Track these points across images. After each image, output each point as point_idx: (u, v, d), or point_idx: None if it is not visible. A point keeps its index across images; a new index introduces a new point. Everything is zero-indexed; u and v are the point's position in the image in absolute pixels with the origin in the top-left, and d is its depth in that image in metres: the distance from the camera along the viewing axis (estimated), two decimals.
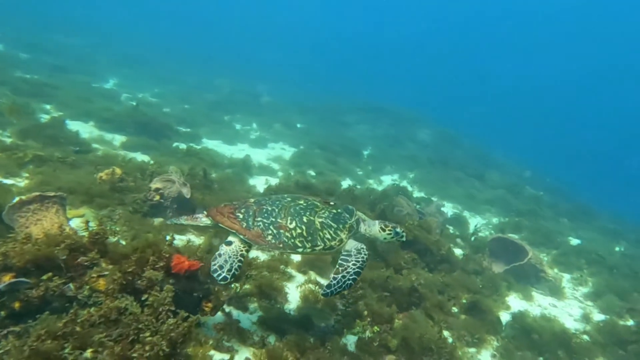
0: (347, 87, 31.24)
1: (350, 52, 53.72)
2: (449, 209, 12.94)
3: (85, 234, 3.22)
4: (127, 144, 9.48)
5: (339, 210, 3.87)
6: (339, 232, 3.72)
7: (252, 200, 3.88)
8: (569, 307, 7.65)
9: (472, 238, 9.66)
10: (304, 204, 3.78)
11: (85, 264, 2.96)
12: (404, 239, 4.13)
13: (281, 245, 3.56)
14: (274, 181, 9.64)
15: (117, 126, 10.32)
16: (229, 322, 4.08)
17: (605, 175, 28.83)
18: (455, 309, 6.31)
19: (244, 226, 3.57)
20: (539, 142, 34.04)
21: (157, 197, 5.64)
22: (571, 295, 8.25)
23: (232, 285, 4.80)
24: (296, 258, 6.40)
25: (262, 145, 14.59)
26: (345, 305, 5.28)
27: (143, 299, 2.96)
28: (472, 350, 5.46)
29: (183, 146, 10.42)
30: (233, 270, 3.36)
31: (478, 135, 25.16)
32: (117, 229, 4.07)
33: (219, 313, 4.00)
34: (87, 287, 2.83)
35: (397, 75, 44.72)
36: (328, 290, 3.48)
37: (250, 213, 3.65)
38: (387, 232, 4.01)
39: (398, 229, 4.06)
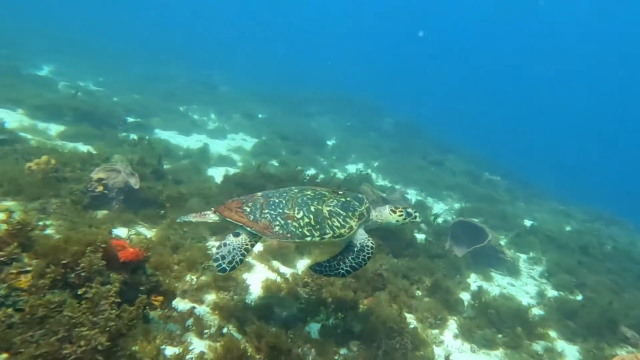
0: (310, 78, 31.04)
1: (314, 43, 53.34)
2: (412, 195, 13.25)
3: (4, 226, 2.86)
4: (66, 134, 8.74)
5: (348, 199, 3.89)
6: (348, 220, 3.73)
7: (259, 193, 3.94)
8: (526, 286, 8.07)
9: (434, 222, 9.93)
10: (312, 194, 3.83)
11: (2, 259, 2.62)
12: (417, 219, 4.07)
13: (289, 235, 3.59)
14: (234, 172, 9.34)
15: (52, 114, 9.50)
16: (183, 315, 3.85)
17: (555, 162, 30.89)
18: (419, 292, 6.43)
19: (251, 219, 3.62)
20: (495, 130, 35.75)
21: (100, 188, 5.22)
22: (527, 274, 8.71)
23: (187, 277, 4.58)
24: (257, 247, 6.22)
25: (221, 136, 14.14)
26: (308, 294, 5.20)
27: (80, 292, 2.69)
28: (435, 331, 5.58)
29: (133, 137, 9.82)
30: (234, 263, 3.39)
31: (438, 124, 25.98)
32: (49, 222, 3.68)
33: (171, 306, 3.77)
34: (4, 285, 2.51)
35: (360, 67, 45.06)
36: (318, 268, 3.68)
37: (258, 206, 3.71)
38: (399, 214, 3.99)
39: (409, 210, 4.05)
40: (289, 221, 3.62)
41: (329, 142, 16.66)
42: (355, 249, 3.73)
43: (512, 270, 8.39)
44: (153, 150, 8.97)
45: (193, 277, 4.59)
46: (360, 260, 3.67)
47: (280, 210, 3.67)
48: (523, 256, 9.66)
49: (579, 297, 7.69)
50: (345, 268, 3.63)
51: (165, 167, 8.20)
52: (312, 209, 3.69)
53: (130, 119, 12.08)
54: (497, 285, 7.82)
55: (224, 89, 21.48)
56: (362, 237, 3.81)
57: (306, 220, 3.64)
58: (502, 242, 10.27)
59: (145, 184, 6.03)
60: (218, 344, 3.59)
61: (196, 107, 16.50)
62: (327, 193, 3.91)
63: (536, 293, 7.67)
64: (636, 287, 9.02)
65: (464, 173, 16.52)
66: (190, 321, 3.83)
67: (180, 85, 19.74)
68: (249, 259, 5.81)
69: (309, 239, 3.62)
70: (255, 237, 3.62)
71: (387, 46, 59.78)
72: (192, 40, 35.94)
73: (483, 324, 5.89)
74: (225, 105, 17.78)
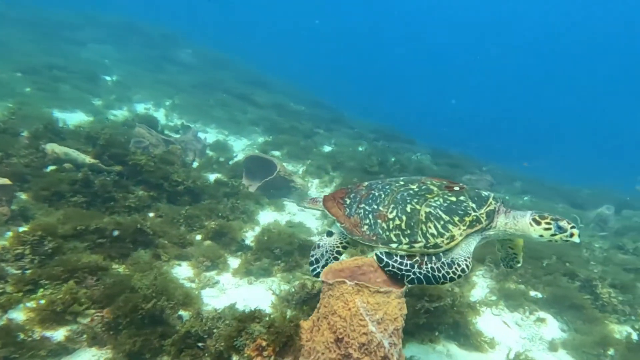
0: None
1: None
2: (213, 134, 12.66)
3: None
4: None
5: (461, 198, 3.15)
6: (450, 227, 3.02)
7: (365, 183, 3.63)
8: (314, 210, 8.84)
9: (230, 162, 9.73)
10: (416, 189, 3.28)
11: None
12: (576, 238, 2.95)
13: (374, 238, 3.17)
14: None
15: None
16: None
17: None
18: (198, 237, 6.15)
19: (345, 213, 3.38)
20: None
21: None
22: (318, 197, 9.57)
23: None
24: None
25: None
26: (23, 268, 4.13)
27: None
28: (211, 273, 5.45)
29: None
30: None
31: (249, 56, 25.40)
32: None
33: None
34: None
35: None
36: (385, 258, 2.99)
37: (357, 199, 3.43)
38: (545, 226, 2.98)
39: (562, 223, 2.96)
40: (379, 221, 3.19)
41: (109, 78, 14.00)
42: (442, 259, 2.99)
43: (303, 196, 9.03)
44: None
45: None
46: (441, 274, 2.91)
47: (375, 207, 3.27)
48: (316, 181, 10.58)
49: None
50: (417, 274, 2.92)
51: None
52: (408, 208, 3.14)
53: None
54: (288, 213, 8.29)
55: None
56: (461, 253, 3.01)
57: (397, 222, 3.13)
58: (300, 171, 11.00)
59: None
60: None
61: None
62: (435, 188, 3.26)
63: (321, 214, 8.50)
64: None
65: (271, 106, 16.77)
66: None
67: None
68: None
69: (395, 245, 3.08)
70: (346, 236, 3.36)
71: None
72: None
73: (263, 256, 6.08)
74: None
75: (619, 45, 52.48)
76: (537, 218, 3.01)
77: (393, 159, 13.69)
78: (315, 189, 10.10)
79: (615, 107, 51.94)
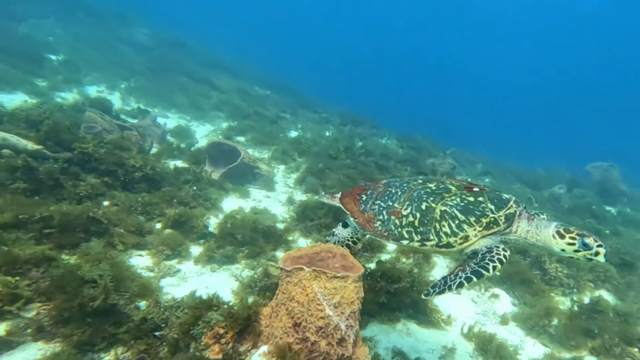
0: None
1: None
2: (174, 119, 12.22)
3: None
4: None
5: (480, 199, 3.08)
6: (465, 227, 2.97)
7: (384, 181, 3.66)
8: (279, 195, 8.80)
9: (192, 148, 9.44)
10: (434, 188, 3.25)
11: None
12: (601, 258, 2.75)
13: (386, 234, 3.21)
14: None
15: None
16: None
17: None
18: (158, 226, 5.97)
19: (361, 209, 3.43)
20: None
21: None
22: (283, 183, 9.53)
23: None
24: None
25: None
26: None
27: None
28: (172, 262, 5.33)
29: None
30: None
31: (208, 38, 24.49)
32: None
33: None
34: None
35: None
36: (432, 290, 2.84)
37: (374, 195, 3.46)
38: (569, 240, 2.80)
39: (588, 240, 2.76)
40: (393, 217, 3.21)
41: (54, 57, 13.07)
42: (481, 253, 2.88)
43: (268, 183, 8.96)
44: None
45: None
46: (486, 262, 2.75)
47: (390, 203, 3.29)
48: (282, 167, 10.50)
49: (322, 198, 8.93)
50: (465, 274, 2.76)
51: None
52: (424, 206, 3.12)
53: None
54: (253, 199, 8.20)
55: None
56: (491, 243, 2.96)
57: (410, 219, 3.13)
58: (266, 157, 10.87)
59: None
60: None
61: None
62: (453, 188, 3.21)
63: (286, 200, 8.48)
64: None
65: (235, 90, 16.34)
66: None
67: None
68: None
69: (406, 242, 3.09)
70: (358, 232, 3.43)
71: None
72: None
73: (226, 243, 6.00)
74: None
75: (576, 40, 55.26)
76: (562, 231, 2.88)
77: (360, 144, 13.83)
78: (282, 175, 10.03)
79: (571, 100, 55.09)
